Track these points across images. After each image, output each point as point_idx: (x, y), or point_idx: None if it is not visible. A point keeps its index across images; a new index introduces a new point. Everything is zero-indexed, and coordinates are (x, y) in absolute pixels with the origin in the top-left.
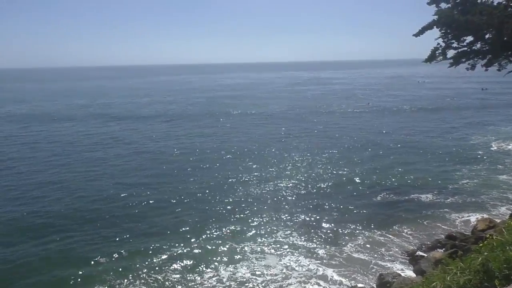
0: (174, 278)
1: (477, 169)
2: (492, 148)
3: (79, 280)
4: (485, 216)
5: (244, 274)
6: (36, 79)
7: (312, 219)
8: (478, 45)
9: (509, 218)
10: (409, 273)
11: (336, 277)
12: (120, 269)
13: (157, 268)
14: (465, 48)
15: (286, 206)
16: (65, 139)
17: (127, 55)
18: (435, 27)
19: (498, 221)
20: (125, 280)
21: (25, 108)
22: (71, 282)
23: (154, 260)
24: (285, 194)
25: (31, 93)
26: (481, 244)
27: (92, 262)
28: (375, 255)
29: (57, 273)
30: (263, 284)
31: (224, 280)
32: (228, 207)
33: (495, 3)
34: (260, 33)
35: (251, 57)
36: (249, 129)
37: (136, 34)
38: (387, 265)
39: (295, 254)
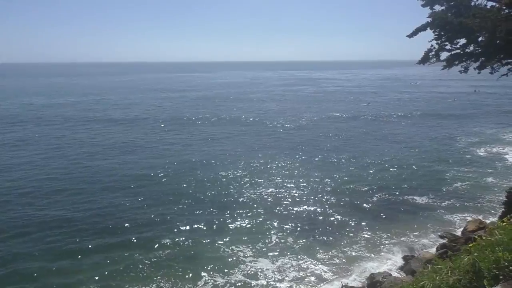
0: (167, 282)
1: (466, 171)
2: (480, 152)
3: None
4: (475, 217)
5: (236, 275)
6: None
7: (304, 219)
8: (471, 48)
9: (498, 219)
10: (400, 273)
11: (326, 277)
12: (110, 273)
13: (149, 272)
14: (458, 51)
15: (279, 207)
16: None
17: (126, 52)
18: (429, 28)
19: (488, 222)
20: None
21: None
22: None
23: (146, 264)
24: (278, 195)
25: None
26: (471, 245)
27: (75, 265)
28: (366, 255)
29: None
30: (254, 283)
31: (218, 281)
32: (220, 210)
33: (488, 6)
34: (259, 33)
35: (250, 56)
36: (242, 128)
37: (136, 31)
38: (377, 264)
39: (287, 253)
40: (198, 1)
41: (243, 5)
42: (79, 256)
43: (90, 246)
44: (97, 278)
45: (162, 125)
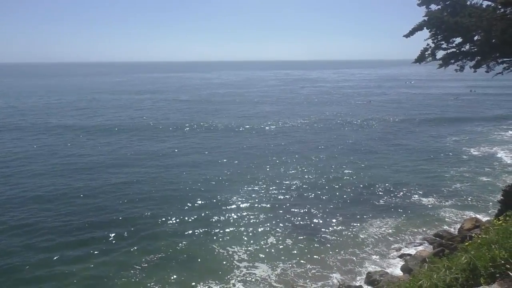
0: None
1: (462, 171)
2: (475, 152)
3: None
4: (472, 215)
5: (231, 275)
6: None
7: (301, 220)
8: (467, 47)
9: (494, 217)
10: (397, 271)
11: (324, 275)
12: (102, 277)
13: (141, 277)
14: (454, 49)
15: (275, 209)
16: None
17: (124, 51)
18: (425, 28)
19: (484, 220)
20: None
21: None
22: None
23: (139, 269)
24: (274, 197)
25: None
26: (467, 243)
27: (66, 269)
28: (363, 254)
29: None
30: (251, 282)
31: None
32: (215, 213)
33: (484, 6)
34: (255, 32)
35: (246, 56)
36: (238, 130)
37: (135, 30)
38: (375, 263)
39: (283, 254)
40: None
41: (240, 3)
42: (70, 260)
43: (81, 250)
44: (88, 282)
45: (158, 129)
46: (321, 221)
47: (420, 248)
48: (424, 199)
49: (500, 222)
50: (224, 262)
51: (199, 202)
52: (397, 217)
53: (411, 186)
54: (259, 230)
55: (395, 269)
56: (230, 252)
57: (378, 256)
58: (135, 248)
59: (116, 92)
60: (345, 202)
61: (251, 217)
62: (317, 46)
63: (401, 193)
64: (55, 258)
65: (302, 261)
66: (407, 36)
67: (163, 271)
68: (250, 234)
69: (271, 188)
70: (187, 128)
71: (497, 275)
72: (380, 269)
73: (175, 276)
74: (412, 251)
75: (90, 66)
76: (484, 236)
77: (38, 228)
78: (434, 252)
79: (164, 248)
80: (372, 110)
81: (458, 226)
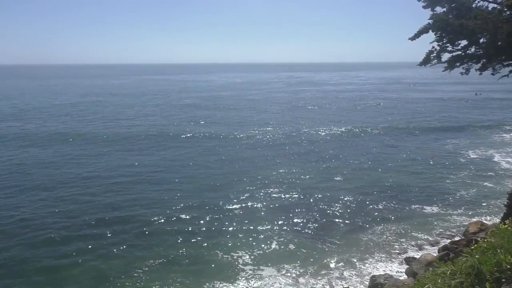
0: None
1: (467, 175)
2: (481, 156)
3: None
4: (477, 219)
5: (234, 278)
6: None
7: (305, 224)
8: (473, 49)
9: (500, 221)
10: (401, 275)
11: (328, 279)
12: (106, 280)
13: (145, 280)
14: (460, 52)
15: (279, 213)
16: None
17: (127, 53)
18: (430, 30)
19: (489, 224)
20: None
21: None
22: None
23: (141, 272)
24: (278, 201)
25: None
26: (472, 247)
27: (68, 269)
28: (367, 257)
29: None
30: (254, 285)
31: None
32: (218, 216)
33: (489, 8)
34: (261, 35)
35: (256, 58)
36: (241, 134)
37: (138, 32)
38: (379, 266)
39: (287, 258)
40: (195, 3)
41: (242, 7)
42: (71, 261)
43: (82, 251)
44: (89, 284)
45: (160, 134)
46: (325, 225)
47: (425, 251)
48: (429, 202)
49: (506, 226)
50: (227, 266)
51: (202, 206)
52: (402, 220)
53: (415, 190)
54: (263, 234)
55: (400, 272)
56: (234, 256)
57: (382, 260)
58: (138, 251)
59: (121, 95)
60: (349, 206)
61: (254, 221)
62: (320, 48)
63: (406, 197)
64: (55, 258)
65: (306, 265)
66: (412, 38)
67: (166, 275)
68: (253, 238)
69: (274, 193)
70: (189, 134)
71: (503, 280)
72: (384, 272)
73: (178, 280)
74: (416, 254)
75: (94, 68)
76: (489, 240)
77: (39, 228)
78: (439, 256)
79: (167, 252)
80: (376, 113)
81: (463, 229)
